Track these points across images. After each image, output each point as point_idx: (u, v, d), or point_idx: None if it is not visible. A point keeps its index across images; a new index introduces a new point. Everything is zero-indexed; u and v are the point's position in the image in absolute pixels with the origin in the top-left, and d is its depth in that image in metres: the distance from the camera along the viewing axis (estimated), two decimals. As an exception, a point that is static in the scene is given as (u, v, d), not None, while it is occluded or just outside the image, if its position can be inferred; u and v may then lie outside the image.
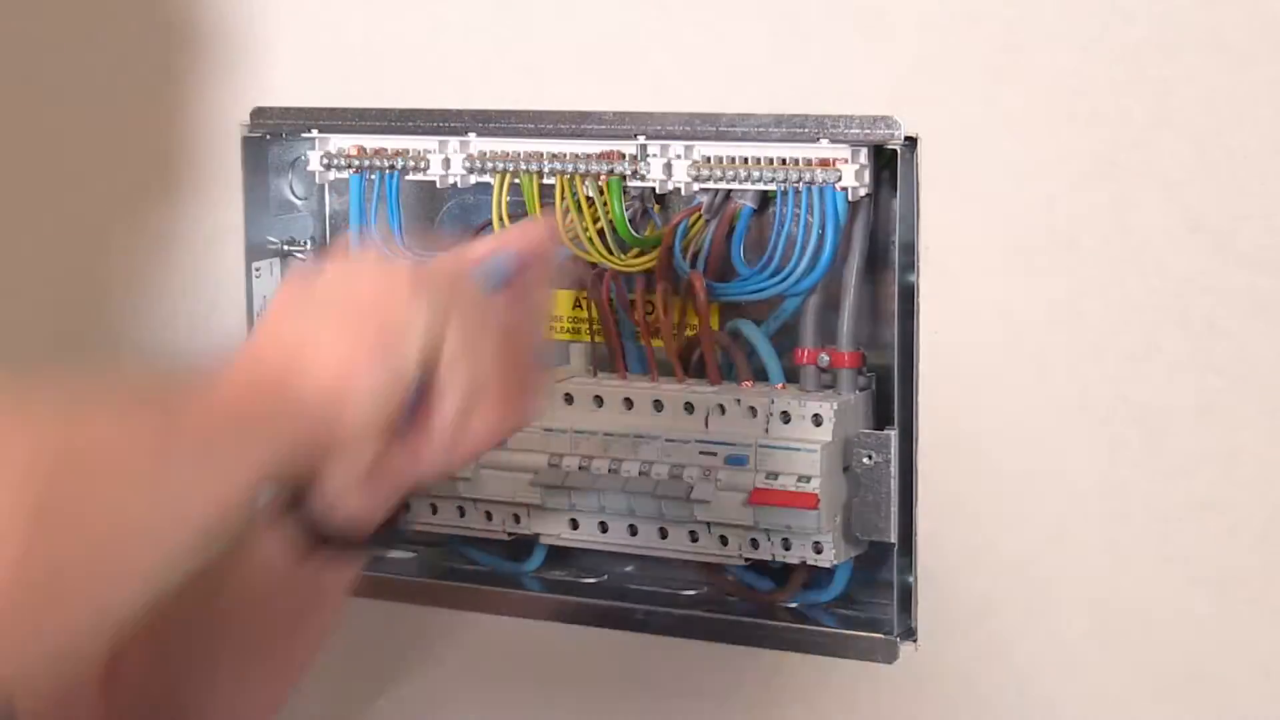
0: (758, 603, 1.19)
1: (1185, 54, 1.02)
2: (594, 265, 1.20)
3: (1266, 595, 1.07)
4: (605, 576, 1.27)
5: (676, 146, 1.14)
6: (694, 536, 1.15)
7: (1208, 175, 1.03)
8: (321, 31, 1.28)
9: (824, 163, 1.09)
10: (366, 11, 1.27)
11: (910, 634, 1.11)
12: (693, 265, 1.17)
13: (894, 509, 1.09)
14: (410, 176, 1.24)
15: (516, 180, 1.20)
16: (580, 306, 1.25)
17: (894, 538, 1.10)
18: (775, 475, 1.09)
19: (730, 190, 1.16)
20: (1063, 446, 1.08)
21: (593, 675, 1.27)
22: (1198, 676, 1.08)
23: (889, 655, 1.11)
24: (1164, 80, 1.03)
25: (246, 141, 1.29)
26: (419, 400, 0.88)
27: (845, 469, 1.11)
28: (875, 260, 1.14)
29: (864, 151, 1.09)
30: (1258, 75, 1.01)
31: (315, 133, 1.26)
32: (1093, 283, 1.06)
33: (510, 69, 1.22)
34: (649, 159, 1.14)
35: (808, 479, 1.08)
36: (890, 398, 1.13)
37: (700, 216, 1.18)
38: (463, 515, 1.23)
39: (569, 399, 1.18)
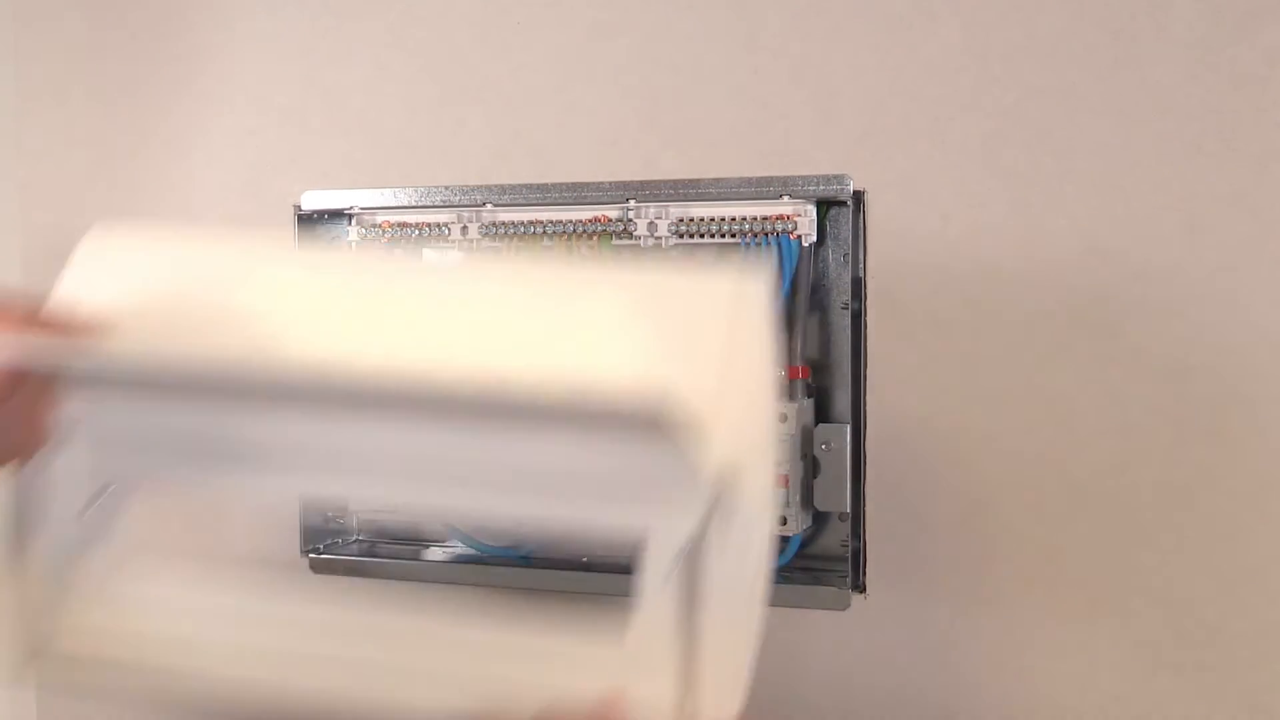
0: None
1: (1082, 115, 1.12)
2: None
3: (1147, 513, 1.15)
4: (585, 558, 1.33)
5: (659, 209, 1.25)
6: (676, 517, 1.26)
7: (1104, 209, 1.12)
8: (361, 123, 1.37)
9: (782, 216, 1.22)
10: (398, 107, 1.36)
11: (861, 587, 1.22)
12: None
13: (847, 485, 1.21)
14: (431, 244, 1.33)
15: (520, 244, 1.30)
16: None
17: (848, 508, 1.21)
18: (745, 472, 1.21)
19: (695, 246, 1.27)
20: (988, 432, 1.17)
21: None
22: (1098, 601, 1.16)
23: (842, 604, 1.20)
24: (1066, 137, 1.13)
25: (300, 219, 1.36)
26: None
27: (802, 457, 1.22)
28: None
29: (813, 206, 1.21)
30: (1146, 130, 1.11)
31: (356, 208, 1.34)
32: (1012, 298, 1.15)
33: (521, 151, 1.32)
34: (635, 220, 1.25)
35: (779, 464, 1.20)
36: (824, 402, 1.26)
37: (669, 269, 1.31)
38: (478, 510, 1.29)
39: (568, 415, 1.29)
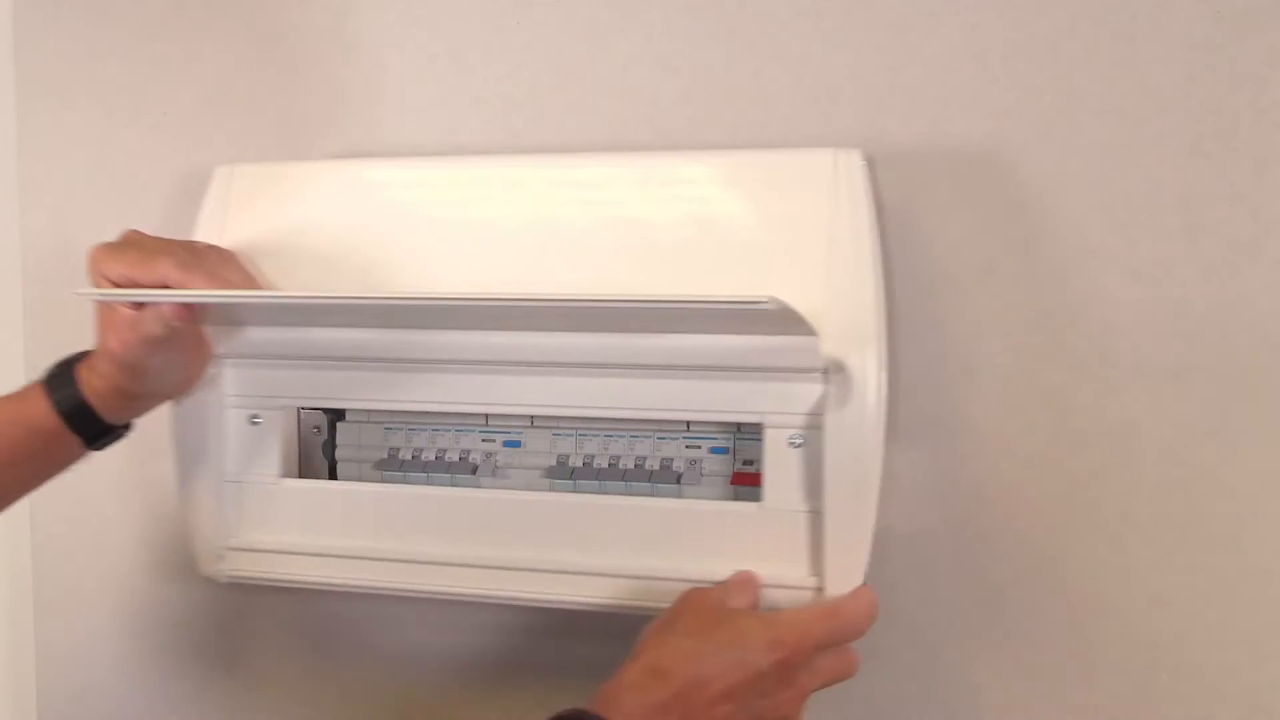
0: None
1: (1082, 115, 1.12)
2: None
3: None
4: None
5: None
6: (675, 516, 1.27)
7: (1104, 209, 1.12)
8: (358, 123, 1.35)
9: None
10: (397, 107, 1.34)
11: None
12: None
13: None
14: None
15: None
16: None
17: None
18: (750, 462, 1.20)
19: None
20: (987, 432, 1.17)
21: (595, 651, 1.32)
22: (1099, 601, 1.16)
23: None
24: (1065, 137, 1.12)
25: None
26: None
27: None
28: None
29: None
30: (1146, 130, 1.10)
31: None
32: (1011, 300, 1.15)
33: (520, 151, 1.30)
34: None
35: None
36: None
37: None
38: (479, 506, 1.31)
39: (575, 409, 1.30)
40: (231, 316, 1.21)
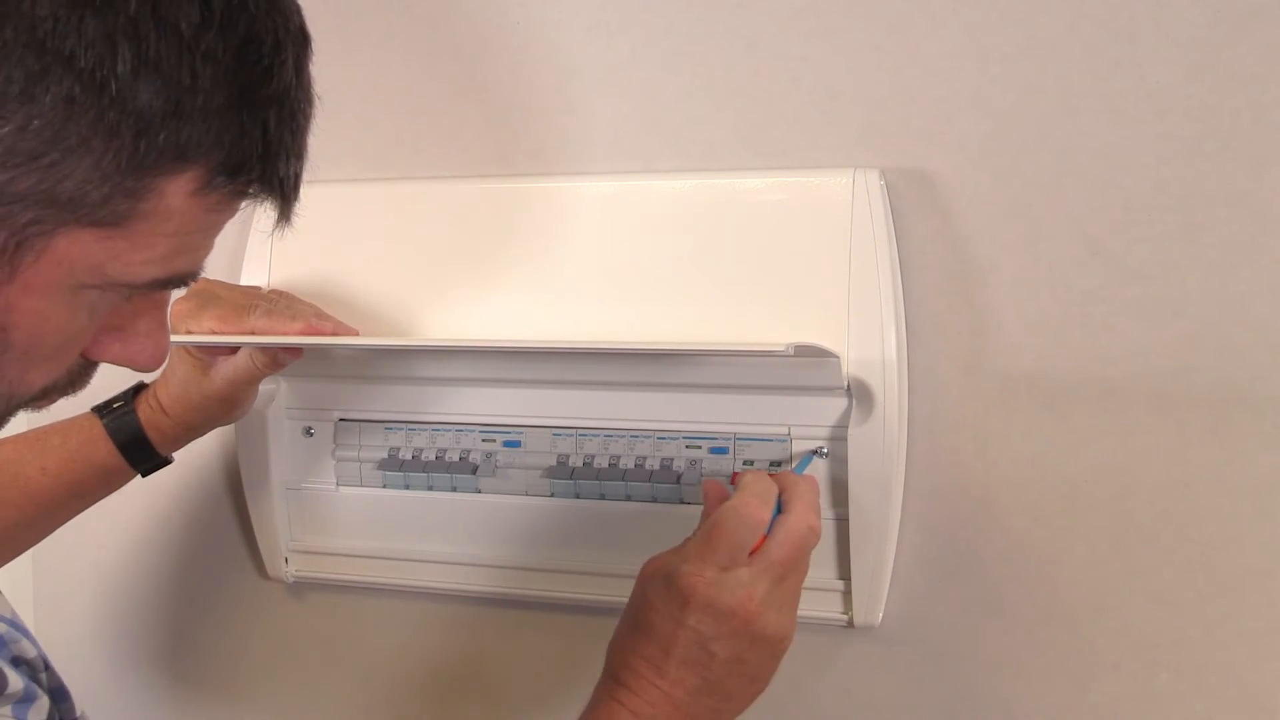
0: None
1: (1082, 115, 1.11)
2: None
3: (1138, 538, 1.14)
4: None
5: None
6: (676, 516, 1.26)
7: (1104, 209, 1.11)
8: (360, 122, 1.35)
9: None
10: (399, 106, 1.33)
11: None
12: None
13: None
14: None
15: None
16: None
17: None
18: (750, 461, 1.19)
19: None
20: (987, 432, 1.16)
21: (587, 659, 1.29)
22: (1098, 601, 1.16)
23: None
24: (1066, 137, 1.11)
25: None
26: None
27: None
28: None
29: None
30: (1146, 130, 1.09)
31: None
32: (1011, 300, 1.14)
33: (521, 151, 1.30)
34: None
35: (778, 464, 1.19)
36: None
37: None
38: (480, 506, 1.31)
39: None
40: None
